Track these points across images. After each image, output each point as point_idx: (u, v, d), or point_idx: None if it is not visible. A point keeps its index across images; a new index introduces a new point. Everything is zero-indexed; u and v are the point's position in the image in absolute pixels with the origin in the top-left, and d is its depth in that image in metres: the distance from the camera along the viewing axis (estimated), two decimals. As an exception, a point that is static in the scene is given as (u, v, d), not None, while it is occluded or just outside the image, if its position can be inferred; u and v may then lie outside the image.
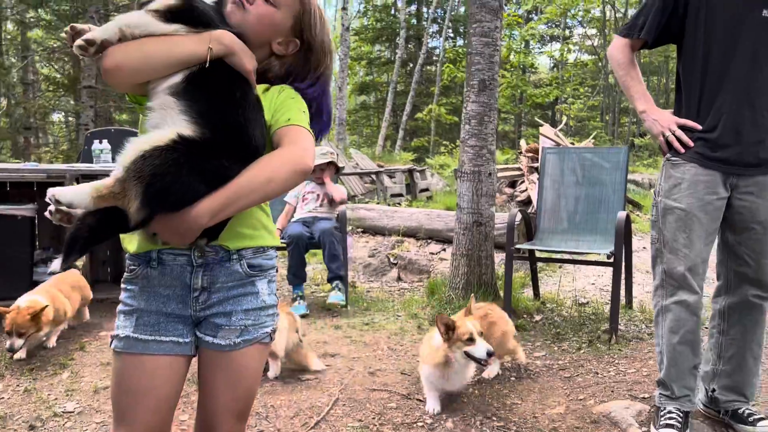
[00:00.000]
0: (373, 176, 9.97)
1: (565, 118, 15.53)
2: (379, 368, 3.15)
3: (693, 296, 2.37)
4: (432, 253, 5.89)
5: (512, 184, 8.98)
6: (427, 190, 10.27)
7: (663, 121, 2.39)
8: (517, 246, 3.95)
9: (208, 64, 1.18)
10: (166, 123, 1.15)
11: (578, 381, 3.01)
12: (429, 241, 6.25)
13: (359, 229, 6.80)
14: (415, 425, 2.56)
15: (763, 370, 3.02)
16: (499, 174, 9.10)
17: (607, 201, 4.10)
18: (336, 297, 4.21)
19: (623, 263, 3.96)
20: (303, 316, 4.08)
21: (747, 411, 2.43)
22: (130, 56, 1.16)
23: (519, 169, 8.92)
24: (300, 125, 1.28)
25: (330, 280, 4.32)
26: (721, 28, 2.26)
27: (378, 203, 8.67)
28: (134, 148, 1.11)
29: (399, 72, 23.12)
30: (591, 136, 10.26)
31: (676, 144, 2.35)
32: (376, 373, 3.08)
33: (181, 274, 1.28)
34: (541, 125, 9.40)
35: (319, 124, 1.44)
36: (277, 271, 1.44)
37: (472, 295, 2.97)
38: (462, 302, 3.99)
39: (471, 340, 2.51)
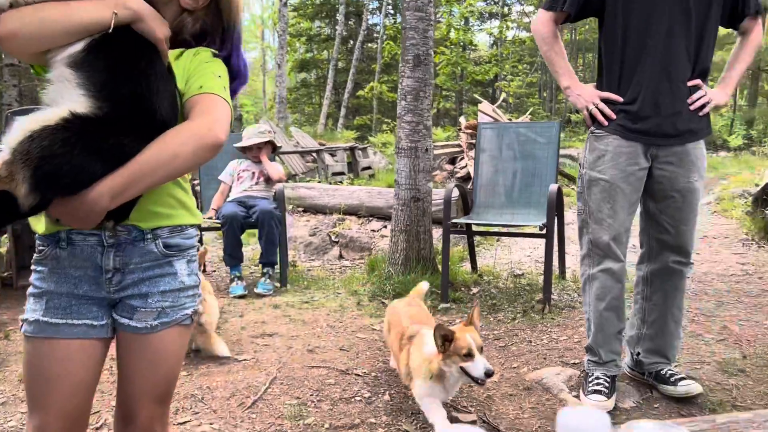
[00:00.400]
0: (314, 155, 9.87)
1: (503, 95, 15.75)
2: (318, 345, 3.15)
3: (617, 264, 2.46)
4: (373, 231, 5.90)
5: (452, 161, 9.08)
6: (369, 168, 10.25)
7: (586, 95, 2.44)
8: (454, 220, 3.99)
9: (111, 31, 1.10)
10: (63, 98, 1.08)
11: (512, 350, 3.09)
12: (370, 218, 6.26)
13: (300, 208, 6.74)
14: (352, 400, 2.57)
15: (684, 332, 3.18)
16: (440, 151, 9.17)
17: (541, 174, 4.19)
18: (263, 287, 4.12)
19: (556, 235, 4.08)
20: (241, 297, 4.03)
21: (669, 372, 2.55)
22: (26, 22, 1.08)
23: (459, 145, 9.02)
24: (213, 93, 1.20)
25: (263, 266, 4.25)
26: (639, 2, 2.32)
27: (319, 182, 8.61)
28: (22, 128, 1.03)
29: (339, 49, 22.88)
30: (527, 112, 10.45)
31: (600, 117, 2.41)
32: (315, 351, 3.08)
33: (92, 255, 1.22)
34: (480, 102, 9.52)
35: (240, 79, 1.37)
36: (198, 250, 1.39)
37: (477, 301, 2.75)
38: (401, 277, 4.03)
39: (469, 356, 2.19)
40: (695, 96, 2.35)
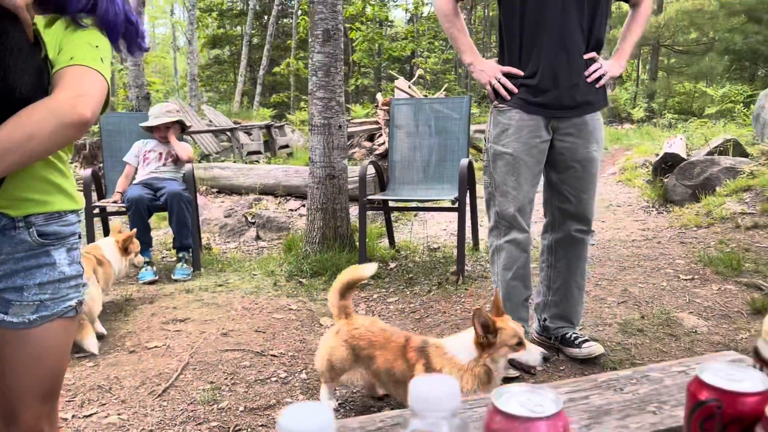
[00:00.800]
0: (229, 134, 9.60)
1: (420, 72, 15.85)
2: (233, 329, 3.09)
3: (523, 235, 2.54)
4: (291, 210, 5.83)
5: (371, 138, 9.08)
6: (287, 146, 10.09)
7: (488, 70, 2.48)
8: (370, 197, 4.00)
9: None
10: None
11: (428, 321, 3.14)
12: (288, 197, 6.18)
13: (214, 189, 6.55)
14: (268, 381, 2.55)
15: (588, 297, 3.34)
16: (358, 128, 9.15)
17: (454, 149, 4.26)
18: (181, 272, 3.98)
19: (468, 208, 4.17)
20: (151, 283, 3.89)
21: (574, 335, 2.68)
22: None
23: (377, 122, 9.02)
24: (83, 65, 1.08)
25: (177, 250, 4.11)
26: None
27: (234, 161, 8.39)
28: None
29: (253, 25, 22.23)
30: (443, 89, 10.58)
31: (502, 91, 2.46)
32: (230, 334, 3.02)
33: None
34: (396, 78, 9.54)
35: (133, 44, 1.25)
36: (80, 237, 1.30)
37: (497, 288, 2.38)
38: (318, 256, 4.00)
39: (520, 344, 1.93)
40: (591, 68, 2.43)
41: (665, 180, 6.09)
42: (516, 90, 2.45)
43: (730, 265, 3.68)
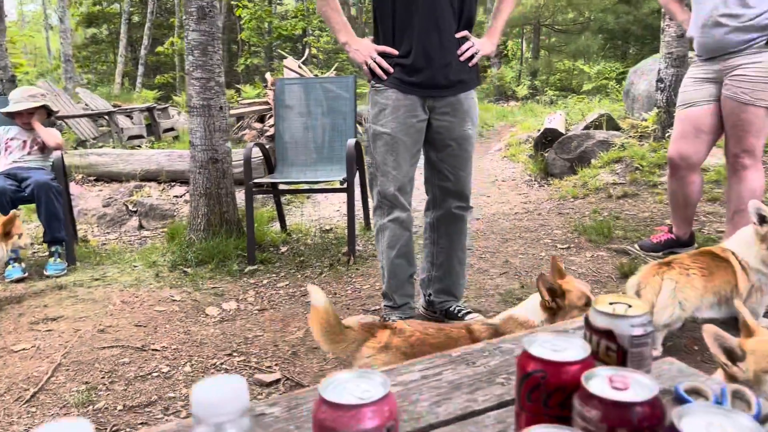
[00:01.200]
0: (107, 117, 9.03)
1: (313, 51, 15.64)
2: (110, 324, 2.92)
3: (404, 213, 2.57)
4: (176, 197, 5.58)
5: (261, 119, 8.86)
6: (172, 129, 9.64)
7: (363, 50, 2.47)
8: (257, 180, 3.90)
9: None
10: None
11: (318, 304, 3.12)
12: (173, 183, 5.91)
13: (91, 177, 6.14)
14: (149, 377, 2.44)
15: (472, 269, 3.46)
16: (248, 109, 8.90)
17: (341, 129, 4.23)
18: (53, 268, 3.70)
19: (359, 188, 4.18)
20: (20, 281, 3.60)
21: (457, 307, 2.76)
22: None
23: (267, 103, 8.81)
24: None
25: (49, 244, 3.82)
26: None
27: (114, 147, 7.91)
28: None
29: (132, 2, 20.95)
30: (333, 68, 10.50)
31: (378, 71, 2.45)
32: (107, 330, 2.86)
33: None
34: (285, 58, 9.34)
35: None
36: None
37: (554, 256, 2.04)
38: (204, 243, 3.87)
39: (589, 305, 1.79)
40: (464, 47, 2.48)
41: (546, 154, 6.39)
42: (392, 69, 2.45)
43: (601, 233, 3.93)
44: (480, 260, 3.65)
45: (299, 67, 8.64)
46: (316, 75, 9.64)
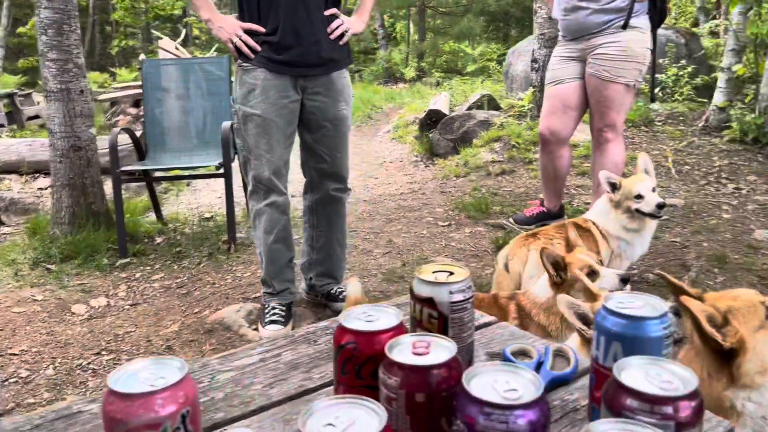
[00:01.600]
0: (-40, 105, 8.17)
1: (195, 32, 14.99)
2: (-41, 331, 2.66)
3: (281, 197, 2.52)
4: (41, 189, 5.17)
5: (137, 104, 8.39)
6: (38, 117, 8.90)
7: (228, 27, 2.38)
8: (125, 168, 3.68)
9: None
10: None
11: (196, 295, 3.01)
12: (36, 175, 5.46)
13: (-59, 171, 5.55)
14: (6, 383, 2.25)
15: (356, 250, 3.47)
16: (122, 93, 8.41)
17: (217, 111, 4.08)
18: None
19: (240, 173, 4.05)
20: None
21: (338, 289, 2.75)
22: None
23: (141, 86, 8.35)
24: None
25: None
26: None
27: (-31, 137, 7.19)
28: None
29: (-12, -23, 19.04)
30: (213, 49, 10.13)
31: (245, 49, 2.37)
32: (-45, 338, 2.60)
33: None
34: (161, 39, 8.89)
35: None
36: None
37: (567, 222, 2.05)
38: (70, 237, 3.61)
39: (594, 273, 1.84)
40: (333, 25, 2.44)
41: (431, 135, 6.52)
42: (259, 48, 2.37)
43: (480, 209, 4.07)
44: (364, 241, 3.66)
45: (176, 48, 8.25)
46: (196, 56, 9.24)
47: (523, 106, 6.51)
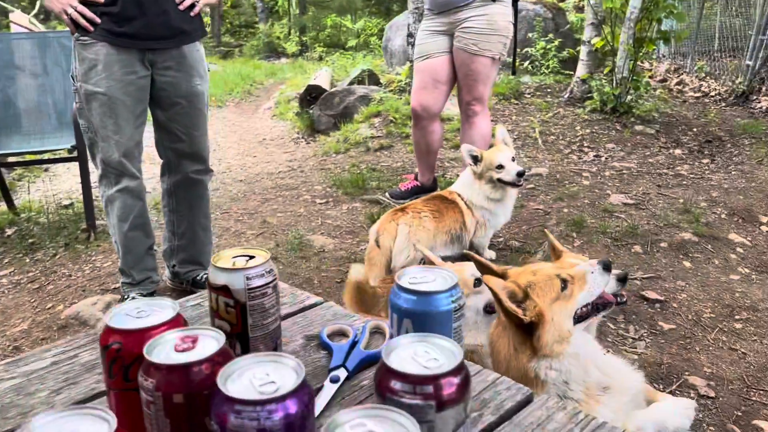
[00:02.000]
0: None
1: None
2: None
3: (134, 181, 2.36)
4: None
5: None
6: None
7: (62, -4, 2.16)
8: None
9: None
10: None
11: (49, 289, 2.79)
12: None
13: None
14: None
15: (229, 233, 3.36)
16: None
17: (69, 91, 3.75)
18: None
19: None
20: None
21: (204, 276, 2.64)
22: None
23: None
24: None
25: None
26: None
27: None
28: None
29: None
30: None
31: (83, 22, 2.17)
32: None
33: None
34: (11, 12, 8.10)
35: None
36: None
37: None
38: None
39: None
40: (183, -6, 2.29)
41: (311, 111, 6.43)
42: (98, 20, 2.18)
43: (357, 185, 4.06)
44: (237, 222, 3.55)
45: (29, 21, 7.53)
46: (54, 29, 8.50)
47: (401, 80, 6.55)
